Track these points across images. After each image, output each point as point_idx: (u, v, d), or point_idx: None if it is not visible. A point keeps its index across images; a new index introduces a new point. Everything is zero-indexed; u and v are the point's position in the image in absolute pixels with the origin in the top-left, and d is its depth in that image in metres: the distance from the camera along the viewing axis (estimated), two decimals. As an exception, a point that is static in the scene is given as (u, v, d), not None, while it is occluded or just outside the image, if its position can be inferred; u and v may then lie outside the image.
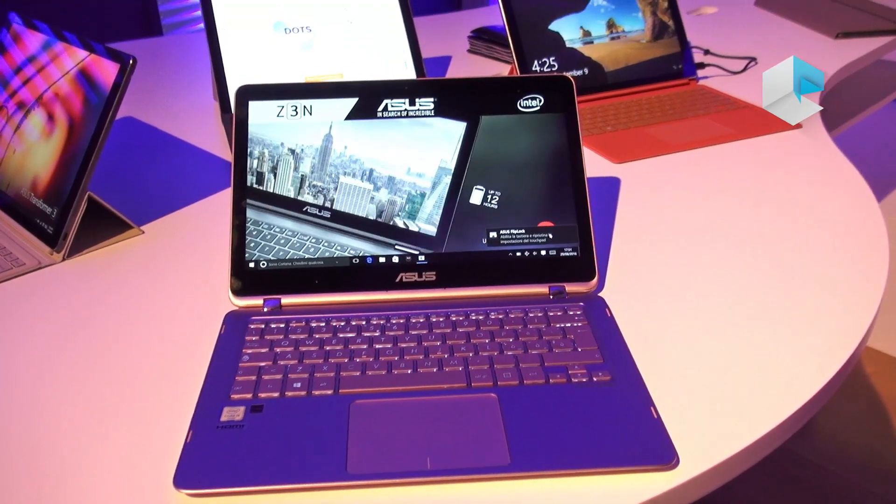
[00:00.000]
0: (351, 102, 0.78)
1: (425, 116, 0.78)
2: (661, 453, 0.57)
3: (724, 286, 0.79)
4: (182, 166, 1.11)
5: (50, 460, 0.58)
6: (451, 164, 0.78)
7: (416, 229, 0.76)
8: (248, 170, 0.77)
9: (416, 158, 0.78)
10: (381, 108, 0.78)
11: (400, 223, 0.76)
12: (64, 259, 0.85)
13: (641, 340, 0.70)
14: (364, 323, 0.71)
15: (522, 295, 0.75)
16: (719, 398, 0.64)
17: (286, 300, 0.74)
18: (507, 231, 0.76)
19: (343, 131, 0.78)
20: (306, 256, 0.75)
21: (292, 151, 0.77)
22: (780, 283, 0.80)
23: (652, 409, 0.61)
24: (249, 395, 0.62)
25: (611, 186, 1.01)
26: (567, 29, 1.30)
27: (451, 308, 0.72)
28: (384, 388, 0.63)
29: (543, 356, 0.66)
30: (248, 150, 0.77)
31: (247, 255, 0.75)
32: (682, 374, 0.66)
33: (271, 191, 0.76)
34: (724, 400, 0.63)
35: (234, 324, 0.71)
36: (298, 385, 0.63)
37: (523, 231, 0.76)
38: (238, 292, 0.74)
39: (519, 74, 1.26)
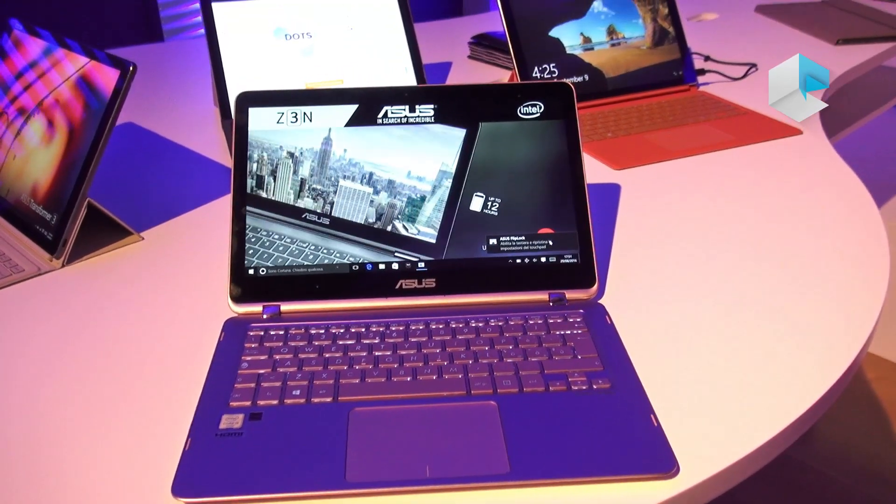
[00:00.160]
0: (351, 109, 0.78)
1: (425, 123, 0.78)
2: (661, 461, 0.56)
3: (725, 293, 0.79)
4: (182, 172, 1.11)
5: (49, 466, 0.58)
6: (452, 171, 0.77)
7: (415, 236, 0.76)
8: (247, 173, 0.77)
9: (416, 164, 0.77)
10: (381, 115, 0.78)
11: (399, 226, 0.76)
12: (63, 265, 0.85)
13: (641, 348, 0.70)
14: (363, 330, 0.70)
15: (522, 302, 0.74)
16: (720, 405, 0.63)
17: (285, 307, 0.73)
18: (507, 238, 0.76)
19: (343, 137, 0.78)
20: (306, 263, 0.75)
21: (291, 155, 0.77)
22: (781, 289, 0.79)
23: (652, 416, 0.60)
24: (248, 403, 0.62)
25: (611, 193, 1.01)
26: (567, 35, 1.30)
27: (451, 315, 0.72)
28: (383, 396, 0.63)
29: (543, 363, 0.66)
30: (248, 155, 0.77)
31: (246, 262, 0.74)
32: (682, 381, 0.66)
33: (271, 197, 0.76)
34: (724, 407, 0.63)
35: (234, 331, 0.71)
36: (297, 392, 0.63)
37: (523, 238, 0.76)
38: (237, 299, 0.74)
39: (519, 80, 1.26)
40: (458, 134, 0.78)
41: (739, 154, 1.12)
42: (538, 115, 0.79)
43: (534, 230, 0.77)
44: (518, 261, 0.76)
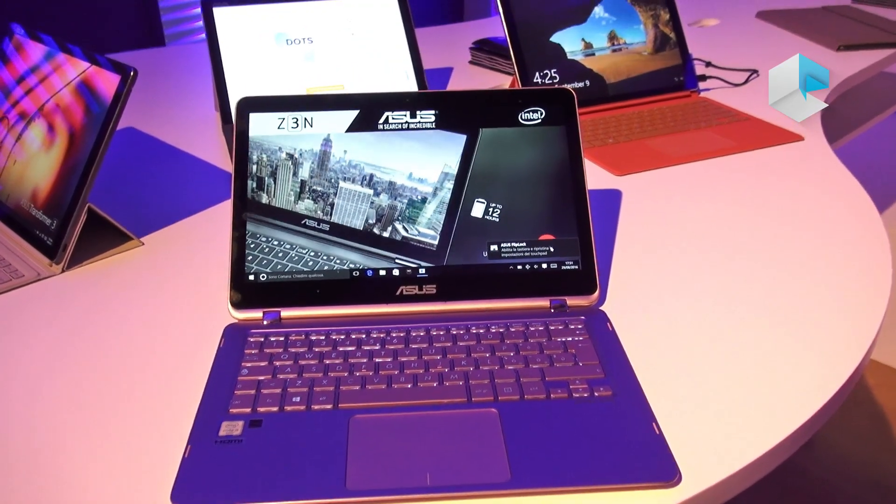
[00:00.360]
0: (352, 115, 0.78)
1: (426, 129, 0.78)
2: (663, 470, 0.56)
3: (726, 300, 0.79)
4: (182, 177, 1.11)
5: (48, 473, 0.58)
6: (453, 176, 0.77)
7: (416, 238, 0.76)
8: (248, 175, 0.76)
9: (416, 169, 0.77)
10: (381, 121, 0.78)
11: (400, 227, 0.76)
12: (63, 271, 0.85)
13: (643, 355, 0.69)
14: (364, 336, 0.70)
15: (523, 308, 0.74)
16: (722, 413, 0.63)
17: (286, 313, 0.73)
18: (509, 244, 0.76)
19: (343, 143, 0.77)
20: (306, 269, 0.75)
21: (291, 157, 0.77)
22: (783, 296, 0.79)
23: (654, 424, 0.60)
24: (248, 410, 0.62)
25: (612, 199, 1.01)
26: (568, 41, 1.30)
27: (452, 321, 0.72)
28: (384, 403, 0.63)
29: (544, 370, 0.66)
30: (248, 158, 0.77)
31: (246, 268, 0.74)
32: (684, 388, 0.66)
33: (272, 201, 0.76)
34: (727, 415, 0.63)
35: (234, 337, 0.71)
36: (298, 399, 0.63)
37: (524, 244, 0.76)
38: (237, 305, 0.73)
39: (520, 86, 1.26)
40: (459, 139, 0.78)
41: (741, 160, 1.12)
42: (539, 120, 0.79)
43: (535, 236, 0.76)
44: (519, 267, 0.76)
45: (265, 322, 0.73)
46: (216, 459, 0.57)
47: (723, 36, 1.80)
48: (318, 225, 0.76)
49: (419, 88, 1.26)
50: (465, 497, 0.55)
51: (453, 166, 0.78)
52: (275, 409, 0.62)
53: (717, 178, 1.07)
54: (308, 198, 0.76)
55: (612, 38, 1.33)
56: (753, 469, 0.59)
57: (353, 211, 0.76)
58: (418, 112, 0.78)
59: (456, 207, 0.77)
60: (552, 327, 0.71)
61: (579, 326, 0.71)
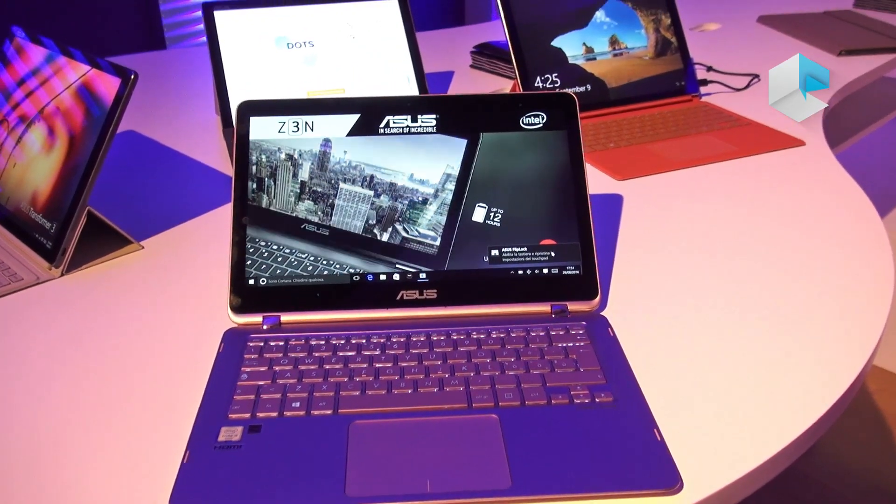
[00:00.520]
0: (352, 119, 0.78)
1: (427, 133, 0.78)
2: (664, 477, 0.56)
3: (728, 305, 0.78)
4: (183, 181, 1.11)
5: (45, 477, 0.58)
6: (453, 181, 0.77)
7: (417, 245, 0.76)
8: (248, 178, 0.76)
9: (417, 174, 0.77)
10: (382, 125, 0.78)
11: (400, 228, 0.76)
12: (62, 274, 0.85)
13: (644, 360, 0.69)
14: (364, 341, 0.70)
15: (524, 314, 0.74)
16: (724, 420, 0.63)
17: (286, 318, 0.73)
18: (510, 249, 0.76)
19: (344, 147, 0.77)
20: (306, 274, 0.74)
21: (290, 157, 0.76)
22: (785, 301, 0.79)
23: (655, 431, 0.60)
24: (248, 415, 0.61)
25: (613, 203, 1.00)
26: (570, 45, 1.30)
27: (453, 327, 0.72)
28: (384, 409, 0.62)
29: (545, 376, 0.65)
30: (249, 161, 0.77)
31: (246, 272, 0.74)
32: (685, 395, 0.66)
33: (272, 205, 0.76)
34: (729, 422, 0.63)
35: (233, 341, 0.71)
36: (297, 405, 0.62)
37: (525, 249, 0.76)
38: (237, 309, 0.73)
39: (521, 90, 1.26)
40: (460, 144, 0.78)
41: (742, 165, 1.12)
42: (541, 125, 0.79)
43: (536, 241, 0.76)
44: (520, 272, 0.75)
45: (265, 327, 0.72)
46: (215, 465, 0.57)
47: (724, 40, 1.80)
48: (318, 230, 0.76)
49: (420, 92, 1.26)
50: (466, 504, 0.54)
51: (454, 171, 0.77)
52: (274, 414, 0.61)
53: (718, 183, 1.07)
54: (308, 199, 0.76)
55: (614, 42, 1.33)
56: (755, 476, 0.59)
57: (353, 212, 0.76)
58: (419, 116, 0.78)
59: (457, 212, 0.77)
60: (553, 333, 0.71)
61: (580, 332, 0.71)
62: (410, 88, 1.26)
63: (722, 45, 1.74)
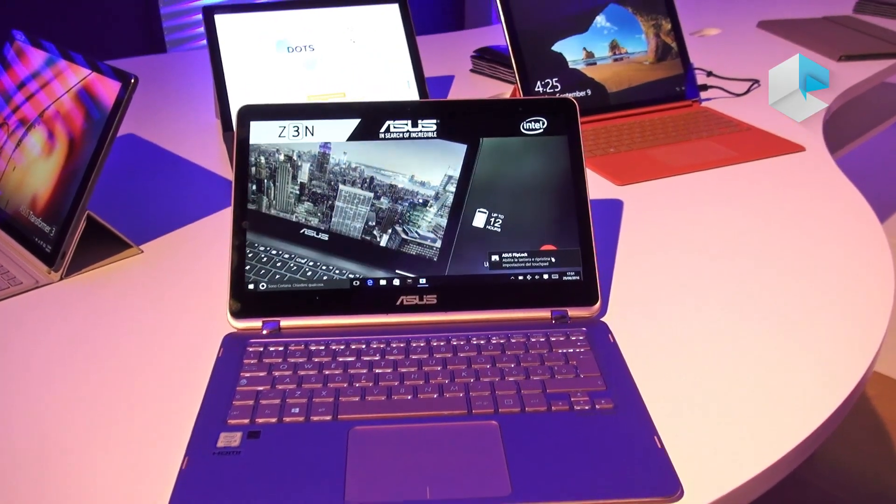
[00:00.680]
0: (353, 123, 0.78)
1: (428, 138, 0.78)
2: (664, 484, 0.56)
3: (728, 311, 0.78)
4: (182, 185, 1.11)
5: (43, 483, 0.57)
6: (454, 187, 0.77)
7: (417, 248, 0.76)
8: (248, 180, 0.76)
9: (417, 178, 0.77)
10: (383, 130, 0.78)
11: (400, 231, 0.75)
12: (62, 278, 0.84)
13: (644, 367, 0.69)
14: (364, 347, 0.70)
15: (524, 319, 0.74)
16: (725, 427, 0.63)
17: (285, 323, 0.73)
18: (510, 255, 0.76)
19: (344, 152, 0.77)
20: (306, 278, 0.74)
21: (290, 159, 0.76)
22: (786, 307, 0.79)
23: (655, 438, 0.60)
24: (247, 421, 0.61)
25: (614, 209, 1.00)
26: (570, 50, 1.30)
27: (452, 332, 0.72)
28: (384, 415, 0.62)
29: (545, 382, 0.65)
30: (249, 164, 0.77)
31: (246, 277, 0.74)
32: (686, 401, 0.65)
33: (272, 212, 0.76)
34: (729, 428, 0.62)
35: (233, 346, 0.70)
36: (297, 410, 0.62)
37: (526, 255, 0.76)
38: (237, 314, 0.73)
39: (522, 95, 1.26)
40: (460, 149, 0.78)
41: (742, 170, 1.12)
42: (541, 130, 0.79)
43: (536, 247, 0.76)
44: (520, 278, 0.75)
45: (264, 332, 0.72)
46: (214, 471, 0.56)
47: (724, 46, 1.80)
48: (318, 234, 0.76)
49: (420, 96, 1.26)
50: (466, 511, 0.54)
51: (455, 176, 0.77)
52: (273, 420, 0.61)
53: (718, 189, 1.07)
54: (308, 200, 0.76)
55: (614, 47, 1.33)
56: (756, 483, 0.58)
57: (352, 214, 0.76)
58: (420, 121, 0.78)
59: (457, 217, 0.76)
60: (553, 339, 0.71)
61: (580, 338, 0.71)
62: (411, 93, 1.26)
63: (722, 51, 1.74)
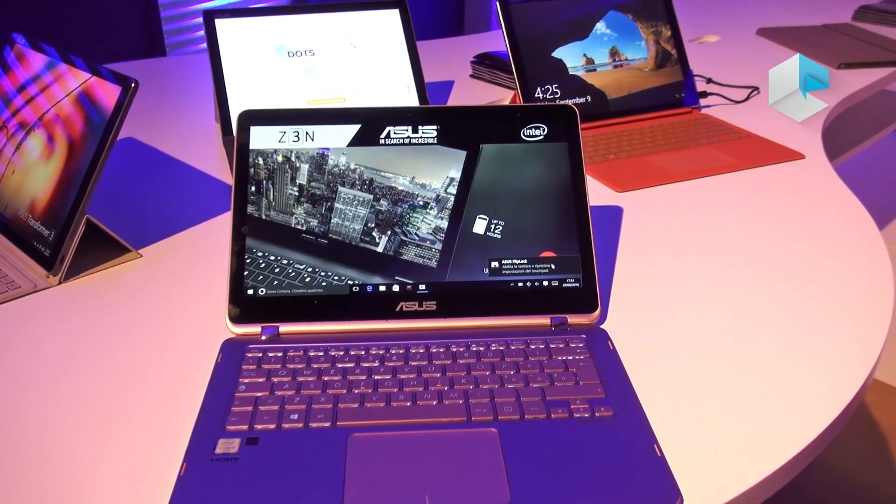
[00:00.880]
0: (353, 129, 0.78)
1: (428, 144, 0.78)
2: (664, 493, 0.55)
3: (728, 319, 0.78)
4: (182, 189, 1.11)
5: (41, 488, 0.57)
6: (454, 193, 0.77)
7: (416, 258, 0.75)
8: (248, 188, 0.76)
9: (417, 186, 0.77)
10: (383, 135, 0.78)
11: (399, 233, 0.75)
12: (60, 282, 0.84)
13: (644, 374, 0.69)
14: (363, 353, 0.69)
15: (524, 326, 0.74)
16: (725, 435, 0.62)
17: (284, 328, 0.73)
18: (510, 261, 0.76)
19: (345, 158, 0.77)
20: (305, 284, 0.74)
21: (288, 161, 0.76)
22: (786, 315, 0.79)
23: (655, 446, 0.60)
24: (245, 427, 0.61)
25: (613, 215, 1.00)
26: (570, 56, 1.30)
27: (452, 339, 0.71)
28: (382, 422, 0.62)
29: (545, 390, 0.65)
30: (249, 171, 0.76)
31: (245, 282, 0.74)
32: (686, 409, 0.65)
33: (271, 217, 0.76)
34: (729, 437, 0.62)
35: (231, 352, 0.70)
36: (295, 417, 0.62)
37: (526, 261, 0.76)
38: (236, 319, 0.73)
39: (522, 100, 1.26)
40: (460, 155, 0.78)
41: (742, 177, 1.12)
42: (541, 137, 0.79)
43: (536, 253, 0.76)
44: (520, 284, 0.75)
45: (263, 337, 0.72)
46: (212, 478, 0.56)
47: (724, 53, 1.80)
48: (317, 240, 0.76)
49: (420, 102, 1.26)
50: (465, 519, 0.54)
51: (455, 182, 0.77)
52: (272, 426, 0.61)
53: (717, 196, 1.07)
54: (307, 202, 0.76)
55: (614, 53, 1.33)
56: (756, 491, 0.58)
57: (352, 216, 0.75)
58: (420, 127, 0.78)
59: (457, 223, 0.76)
60: (553, 346, 0.70)
61: (580, 345, 0.71)
62: (411, 98, 1.26)
63: (721, 58, 1.74)
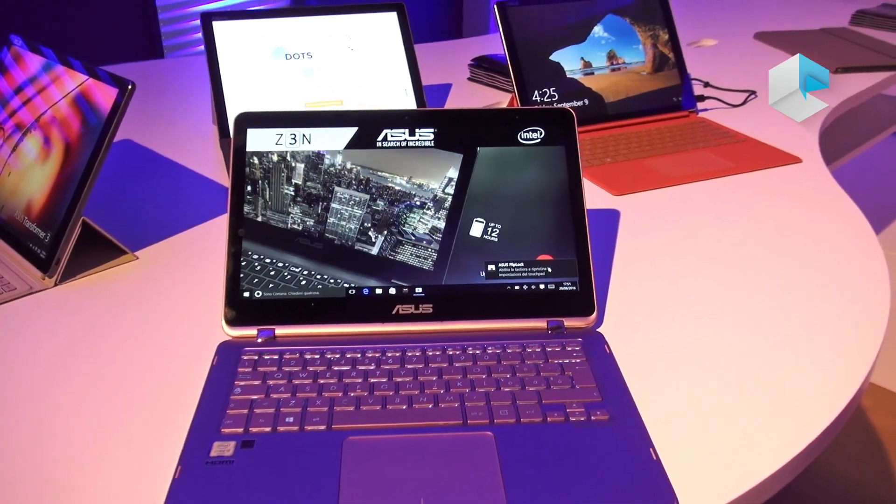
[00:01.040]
0: (350, 132, 0.78)
1: (425, 147, 0.78)
2: (659, 497, 0.55)
3: (725, 323, 0.78)
4: (179, 191, 1.10)
5: (35, 490, 0.57)
6: (451, 196, 0.77)
7: (413, 261, 0.75)
8: (245, 190, 0.76)
9: (414, 189, 0.77)
10: (380, 138, 0.78)
11: (396, 232, 0.75)
12: (56, 284, 0.84)
13: (640, 378, 0.69)
14: (359, 356, 0.69)
15: (520, 329, 0.74)
16: (721, 438, 0.62)
17: (280, 331, 0.72)
18: (507, 264, 0.75)
19: (341, 160, 0.77)
20: (302, 287, 0.74)
21: (283, 160, 0.76)
22: (782, 319, 0.79)
23: (651, 450, 0.59)
24: (240, 430, 0.61)
25: (610, 219, 1.00)
26: (568, 59, 1.30)
27: (448, 342, 0.71)
28: (378, 425, 0.62)
29: (541, 393, 0.65)
30: (246, 173, 0.76)
31: (241, 285, 0.74)
32: (682, 413, 0.65)
33: (268, 219, 0.76)
34: (725, 440, 0.62)
35: (227, 354, 0.70)
36: (291, 420, 0.62)
37: (522, 264, 0.76)
38: (232, 322, 0.73)
39: (519, 104, 1.26)
40: (457, 158, 0.78)
41: (738, 181, 1.12)
42: (538, 140, 0.79)
43: (533, 257, 0.76)
44: (517, 287, 0.75)
45: (259, 340, 0.72)
46: (207, 481, 0.56)
47: (721, 56, 1.80)
48: (313, 243, 0.76)
49: (418, 104, 1.26)
50: (460, 522, 0.54)
51: (452, 185, 0.77)
52: (267, 429, 0.61)
53: (714, 200, 1.07)
54: (303, 202, 0.76)
55: (612, 57, 1.33)
56: (752, 496, 0.58)
57: (348, 216, 0.75)
58: (417, 130, 0.78)
59: (454, 226, 0.76)
60: (549, 349, 0.70)
61: (576, 349, 0.71)
62: (408, 100, 1.26)
63: (719, 61, 1.74)
